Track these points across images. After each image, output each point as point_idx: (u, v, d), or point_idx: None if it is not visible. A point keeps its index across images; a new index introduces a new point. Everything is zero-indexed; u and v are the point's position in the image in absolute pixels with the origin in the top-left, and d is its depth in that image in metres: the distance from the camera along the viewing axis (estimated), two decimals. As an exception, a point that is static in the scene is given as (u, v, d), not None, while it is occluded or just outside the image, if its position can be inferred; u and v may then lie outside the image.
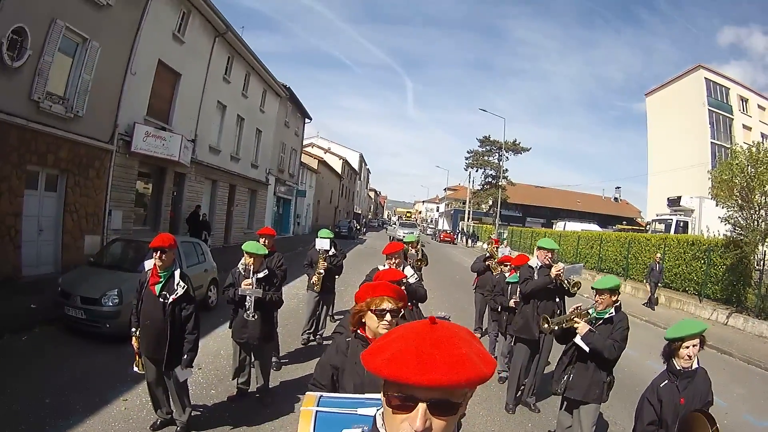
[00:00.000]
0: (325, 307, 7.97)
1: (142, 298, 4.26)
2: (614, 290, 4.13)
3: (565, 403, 4.49)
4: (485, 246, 11.93)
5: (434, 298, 9.82)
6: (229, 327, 5.30)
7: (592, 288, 4.25)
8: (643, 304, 15.05)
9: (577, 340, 4.11)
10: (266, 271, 5.04)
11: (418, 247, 7.63)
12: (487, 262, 8.61)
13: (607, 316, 4.14)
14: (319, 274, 7.25)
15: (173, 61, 15.02)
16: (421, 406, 0.90)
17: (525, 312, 5.69)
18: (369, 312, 2.34)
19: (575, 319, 4.16)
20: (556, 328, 4.23)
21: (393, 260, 4.86)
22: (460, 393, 0.94)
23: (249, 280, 4.82)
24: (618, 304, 4.20)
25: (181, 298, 4.18)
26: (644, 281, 15.62)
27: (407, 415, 0.92)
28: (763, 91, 37.86)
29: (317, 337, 7.77)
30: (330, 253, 7.46)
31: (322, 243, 7.31)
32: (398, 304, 2.35)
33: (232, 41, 18.90)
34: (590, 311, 4.22)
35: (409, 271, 5.02)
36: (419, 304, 4.95)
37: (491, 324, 7.74)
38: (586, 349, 4.08)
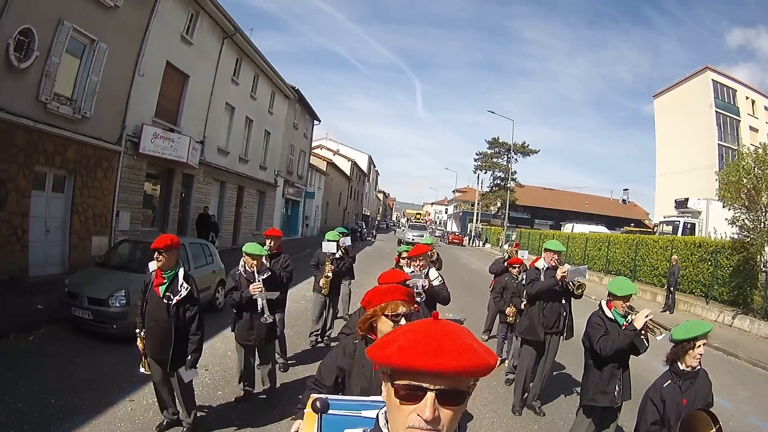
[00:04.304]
0: (332, 308, 7.95)
1: (146, 299, 4.26)
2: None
3: (608, 410, 4.31)
4: (506, 247, 11.73)
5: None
6: (232, 330, 5.26)
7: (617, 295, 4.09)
8: (661, 311, 14.53)
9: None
10: (269, 272, 5.03)
11: (434, 250, 7.57)
12: (506, 264, 8.46)
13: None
14: (327, 277, 7.23)
15: (181, 62, 15.09)
16: (430, 395, 0.91)
17: (531, 313, 5.66)
18: (383, 316, 2.29)
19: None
20: None
21: (418, 262, 4.86)
22: (466, 381, 0.95)
23: (258, 284, 4.78)
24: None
25: (184, 299, 4.16)
26: (665, 286, 15.35)
27: (415, 405, 0.93)
28: (770, 92, 37.53)
29: (325, 338, 7.76)
30: (336, 255, 7.44)
31: (328, 246, 7.26)
32: (410, 307, 2.33)
33: (241, 43, 18.95)
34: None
35: (434, 273, 5.03)
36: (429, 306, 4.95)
37: (500, 326, 7.70)
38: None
